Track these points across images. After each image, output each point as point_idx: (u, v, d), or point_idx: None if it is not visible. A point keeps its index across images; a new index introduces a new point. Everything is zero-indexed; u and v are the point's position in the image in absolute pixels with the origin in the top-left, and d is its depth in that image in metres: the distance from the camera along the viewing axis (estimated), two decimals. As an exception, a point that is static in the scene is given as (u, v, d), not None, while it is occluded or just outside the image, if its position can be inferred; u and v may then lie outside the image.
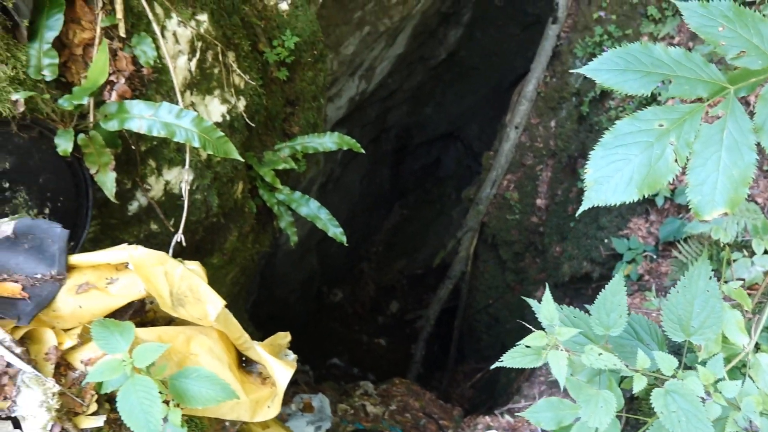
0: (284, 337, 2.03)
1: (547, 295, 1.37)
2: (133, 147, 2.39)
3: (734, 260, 3.78)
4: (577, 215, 1.27)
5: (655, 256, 4.82)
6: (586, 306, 1.72)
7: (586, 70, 1.36)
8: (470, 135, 9.95)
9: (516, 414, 3.55)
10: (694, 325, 1.51)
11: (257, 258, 3.75)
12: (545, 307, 1.37)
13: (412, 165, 10.77)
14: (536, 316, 5.15)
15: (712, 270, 4.06)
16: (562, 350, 1.31)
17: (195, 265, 1.89)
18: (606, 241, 5.27)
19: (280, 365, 1.87)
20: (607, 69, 1.34)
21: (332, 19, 6.34)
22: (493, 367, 1.61)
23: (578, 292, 6.01)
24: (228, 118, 2.73)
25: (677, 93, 1.32)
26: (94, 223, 2.41)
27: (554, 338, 1.31)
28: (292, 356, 2.03)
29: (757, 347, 2.00)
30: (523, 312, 6.85)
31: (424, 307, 9.70)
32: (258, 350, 1.89)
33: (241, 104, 2.79)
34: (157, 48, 2.23)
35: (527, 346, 1.39)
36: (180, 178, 2.63)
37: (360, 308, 10.00)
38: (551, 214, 6.53)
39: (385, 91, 8.61)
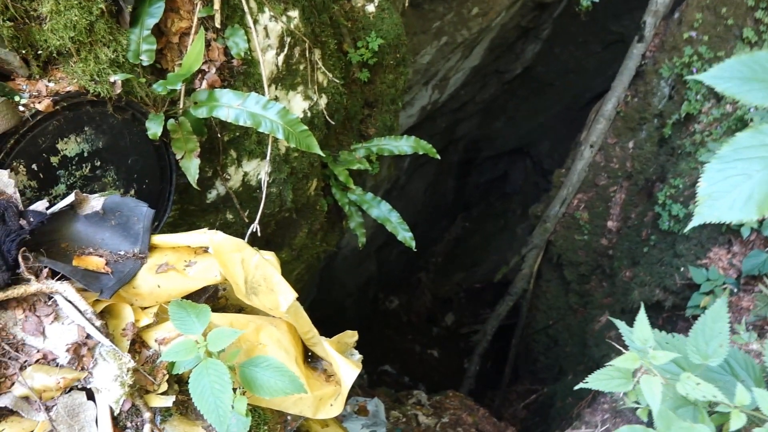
0: (351, 336, 1.98)
1: (642, 315, 1.26)
2: (218, 135, 2.42)
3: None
4: (686, 231, 1.17)
5: (735, 290, 4.52)
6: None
7: (705, 77, 1.25)
8: (541, 152, 9.73)
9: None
10: (804, 364, 1.37)
11: (323, 257, 3.75)
12: (639, 328, 1.26)
13: (478, 178, 10.62)
14: (607, 341, 4.88)
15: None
16: (656, 375, 1.19)
17: (270, 255, 1.87)
18: (682, 269, 5.00)
19: (346, 363, 1.83)
20: (728, 77, 1.23)
21: (411, 28, 6.34)
22: (577, 387, 1.50)
23: (648, 320, 5.71)
24: (309, 114, 2.73)
25: (810, 106, 1.19)
26: (174, 207, 2.45)
27: (648, 362, 1.20)
28: (358, 356, 1.98)
29: None
30: (584, 337, 6.59)
31: (480, 322, 9.51)
32: (325, 346, 1.86)
33: (323, 102, 2.79)
34: (249, 41, 2.25)
35: (615, 369, 1.28)
36: (258, 170, 2.64)
37: (415, 317, 9.91)
38: (623, 237, 6.27)
39: (456, 103, 8.53)
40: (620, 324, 1.51)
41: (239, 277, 1.71)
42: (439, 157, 3.14)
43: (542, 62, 8.65)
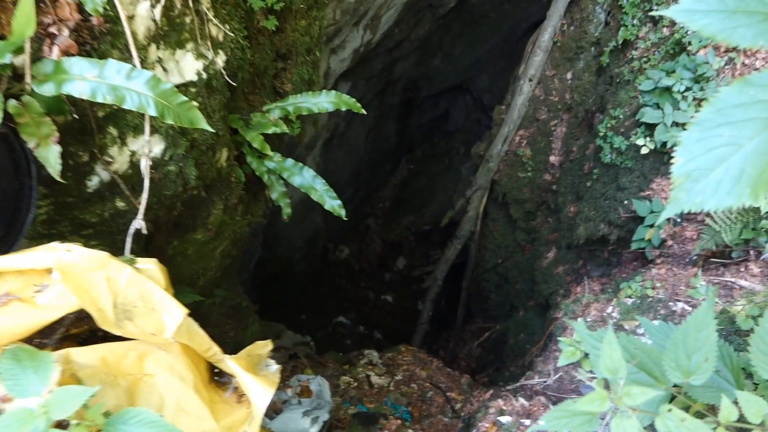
0: (264, 346, 1.65)
1: (611, 336, 0.96)
2: (89, 112, 1.96)
3: (775, 230, 3.35)
4: (658, 223, 0.85)
5: (679, 220, 4.38)
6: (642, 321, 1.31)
7: (675, 12, 0.90)
8: (480, 87, 9.37)
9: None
10: (795, 360, 1.11)
11: (250, 229, 3.36)
12: (608, 354, 0.96)
13: (420, 119, 10.23)
14: (555, 277, 4.70)
15: (746, 241, 3.63)
16: (631, 417, 0.91)
17: (150, 264, 1.49)
18: (626, 202, 4.83)
19: (257, 384, 1.50)
20: (706, 9, 0.89)
21: (334, -36, 5.75)
22: (530, 431, 1.21)
23: (593, 254, 5.61)
24: (205, 76, 2.27)
25: (813, 45, 0.87)
26: (45, 203, 2.01)
27: (621, 400, 0.91)
28: (275, 367, 1.65)
29: None
30: (533, 273, 6.48)
31: (432, 264, 9.37)
32: (230, 365, 1.51)
33: (220, 59, 2.33)
34: (106, -9, 1.77)
35: (578, 410, 0.98)
36: (149, 147, 2.20)
37: (366, 265, 9.69)
38: (566, 172, 6.07)
39: (391, 42, 8.01)
40: (578, 326, 1.21)
41: (105, 301, 1.33)
42: (364, 111, 2.75)
43: (476, -7, 8.18)
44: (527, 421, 3.04)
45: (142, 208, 1.82)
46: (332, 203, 2.69)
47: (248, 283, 7.30)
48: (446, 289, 8.56)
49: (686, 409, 1.44)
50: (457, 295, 8.05)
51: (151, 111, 1.60)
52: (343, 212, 2.69)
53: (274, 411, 2.92)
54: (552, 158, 6.39)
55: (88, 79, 1.59)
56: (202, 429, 1.43)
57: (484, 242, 7.42)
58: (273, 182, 2.77)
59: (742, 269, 3.41)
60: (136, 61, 1.80)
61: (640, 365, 1.10)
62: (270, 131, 2.64)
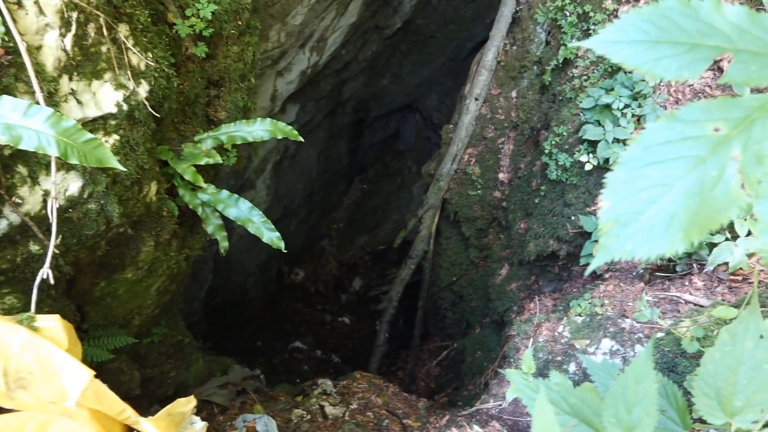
0: (186, 404, 1.50)
1: (543, 400, 0.87)
2: (-8, 151, 1.79)
3: (716, 243, 3.38)
4: (587, 273, 0.76)
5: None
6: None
7: (596, 44, 0.83)
8: (429, 106, 9.39)
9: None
10: (737, 403, 1.04)
11: (189, 262, 3.19)
12: (540, 416, 0.86)
13: (371, 138, 10.18)
14: (509, 294, 4.65)
15: (689, 254, 3.66)
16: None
17: (52, 322, 1.33)
18: (573, 218, 4.85)
19: (177, 449, 1.35)
20: (629, 40, 0.82)
21: (276, -14, 5.66)
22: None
23: (544, 269, 5.61)
24: (126, 107, 2.12)
25: (740, 77, 0.81)
26: (-57, 251, 1.82)
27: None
28: (200, 425, 1.51)
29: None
30: (487, 290, 6.45)
31: (388, 283, 9.26)
32: (146, 428, 1.36)
33: (143, 89, 2.19)
34: (4, 21, 1.62)
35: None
36: (64, 186, 2.03)
37: (322, 287, 9.51)
38: (515, 188, 6.09)
39: (338, 63, 7.96)
40: (516, 379, 1.12)
41: (-8, 370, 1.17)
42: (301, 139, 2.64)
43: (421, 14, 8.22)
44: (482, 450, 2.94)
45: (49, 255, 1.66)
46: (270, 236, 2.55)
47: (199, 313, 7.03)
48: (403, 308, 8.46)
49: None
50: (414, 315, 7.96)
51: (53, 151, 1.45)
52: (282, 244, 2.56)
53: (216, 457, 2.74)
54: (501, 175, 6.41)
55: (-22, 119, 1.43)
56: (114, 504, 1.27)
57: (438, 261, 7.36)
58: (208, 215, 2.62)
59: (687, 283, 3.43)
60: (39, 95, 1.64)
61: (582, 418, 1.02)
62: (202, 162, 2.50)
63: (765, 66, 0.81)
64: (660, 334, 2.94)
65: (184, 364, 3.52)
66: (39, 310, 2.14)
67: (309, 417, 3.96)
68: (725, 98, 0.81)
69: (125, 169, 1.55)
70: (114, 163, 1.53)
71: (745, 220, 3.25)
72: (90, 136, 1.50)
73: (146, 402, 3.23)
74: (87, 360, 2.56)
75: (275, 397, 4.10)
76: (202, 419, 3.48)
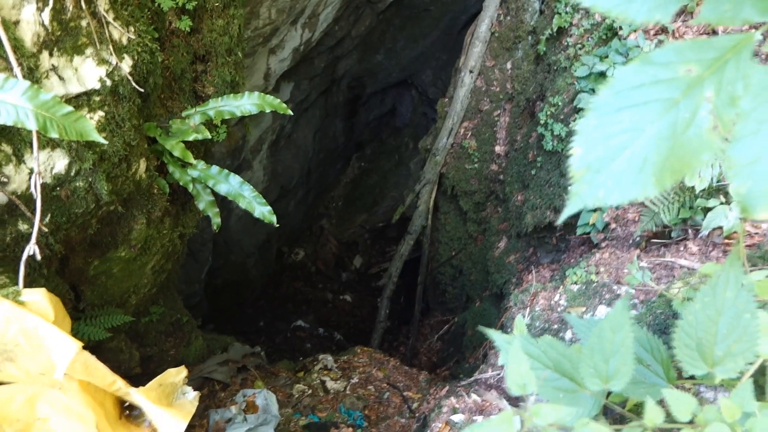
0: (177, 374, 1.51)
1: (517, 349, 0.87)
2: (-26, 129, 1.77)
3: (710, 208, 3.37)
4: (559, 222, 0.76)
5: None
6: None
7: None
8: (425, 81, 9.31)
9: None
10: (718, 353, 1.04)
11: (184, 240, 3.19)
12: (515, 366, 0.87)
13: (367, 116, 10.12)
14: (508, 266, 4.66)
15: (684, 220, 3.65)
16: (544, 437, 0.82)
17: (38, 295, 1.33)
18: (569, 187, 4.83)
19: (167, 416, 1.36)
20: (599, -16, 0.80)
21: (265, -39, 5.58)
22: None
23: (542, 241, 5.62)
24: (109, 83, 2.10)
25: (713, 16, 0.79)
26: (-70, 231, 1.82)
27: (530, 420, 0.82)
28: (192, 394, 1.52)
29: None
30: (486, 263, 6.46)
31: (388, 260, 9.29)
32: (136, 398, 1.37)
33: (126, 64, 2.16)
34: (-23, -6, 1.59)
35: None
36: (50, 163, 2.02)
37: (323, 266, 9.54)
38: (511, 161, 6.06)
39: (332, 40, 7.87)
40: (493, 334, 1.12)
41: (-23, 343, 1.17)
42: (290, 113, 2.61)
43: (414, -13, 8.11)
44: (480, 418, 2.97)
45: (35, 231, 1.65)
46: (262, 210, 2.54)
47: (200, 294, 7.06)
48: (404, 284, 8.50)
49: (623, 404, 1.37)
50: (415, 291, 7.99)
51: (31, 125, 1.44)
52: (273, 218, 2.55)
53: (217, 431, 2.77)
54: (497, 148, 6.38)
55: (-46, 94, 1.42)
56: (107, 472, 1.29)
57: (437, 236, 7.37)
58: (199, 192, 2.62)
59: (682, 248, 3.43)
60: (17, 70, 1.62)
61: (562, 371, 1.02)
62: (191, 138, 2.49)
63: (738, 5, 0.79)
64: (654, 298, 2.94)
65: (184, 343, 3.54)
66: (31, 288, 2.15)
67: (310, 391, 4.00)
68: (698, 39, 0.80)
69: (106, 143, 1.54)
70: (95, 135, 1.51)
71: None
72: (69, 108, 1.48)
73: (146, 380, 3.25)
74: (84, 339, 2.57)
75: (276, 373, 4.14)
76: (204, 396, 3.52)
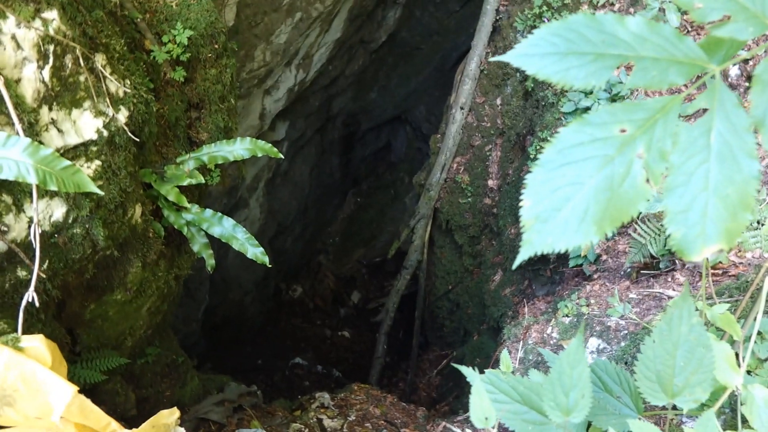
0: (170, 415, 1.56)
1: (478, 385, 0.94)
2: (-24, 182, 1.87)
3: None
4: (514, 267, 0.84)
5: (610, 235, 4.48)
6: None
7: (511, 57, 0.92)
8: (418, 117, 9.51)
9: None
10: (678, 384, 1.11)
11: (180, 281, 3.26)
12: (477, 401, 0.94)
13: (363, 151, 10.29)
14: (504, 299, 4.70)
15: (671, 251, 3.73)
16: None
17: (36, 342, 1.40)
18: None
19: (160, 458, 1.42)
20: (541, 53, 0.91)
21: (260, 7, 5.78)
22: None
23: (537, 273, 5.68)
24: (106, 133, 2.21)
25: (642, 82, 0.89)
26: (-68, 281, 1.90)
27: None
28: (185, 435, 1.57)
29: (749, 372, 1.63)
30: (483, 297, 6.51)
31: (386, 295, 9.32)
32: (131, 440, 1.43)
33: (122, 115, 2.27)
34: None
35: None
36: (49, 212, 2.11)
37: (321, 302, 9.57)
38: (504, 194, 6.17)
39: (326, 79, 8.08)
40: (467, 372, 1.19)
41: (-23, 389, 1.24)
42: (282, 156, 2.72)
43: (405, 27, 8.35)
44: (474, 453, 3.00)
45: (33, 278, 1.73)
46: (254, 251, 2.63)
47: (197, 333, 7.08)
48: (403, 319, 8.52)
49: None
50: (413, 325, 8.01)
51: (32, 179, 1.54)
52: (266, 259, 2.63)
53: (211, 472, 2.79)
54: (490, 182, 6.50)
55: (-41, 152, 1.51)
56: None
57: (433, 270, 7.43)
58: (193, 234, 2.70)
59: (669, 279, 3.50)
60: (18, 126, 1.73)
61: (530, 404, 1.08)
62: (185, 183, 2.59)
63: (664, 71, 0.89)
64: (638, 331, 3.00)
65: (179, 383, 3.58)
66: (30, 335, 2.22)
67: (307, 431, 4.01)
68: (629, 102, 0.89)
69: (102, 193, 1.63)
70: (92, 187, 1.61)
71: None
72: (67, 162, 1.58)
73: (141, 422, 3.28)
74: (80, 381, 2.62)
75: (272, 413, 4.15)
76: (200, 437, 3.53)
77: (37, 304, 1.69)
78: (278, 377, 7.80)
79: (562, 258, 5.17)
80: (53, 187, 1.56)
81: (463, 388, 6.59)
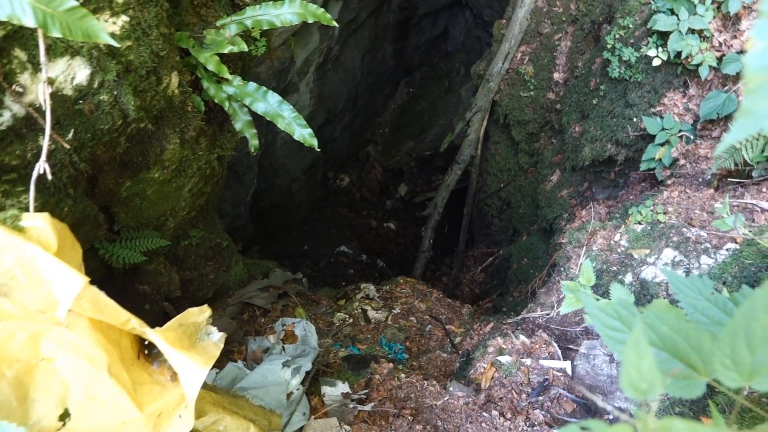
0: (200, 314, 1.32)
1: (639, 336, 0.61)
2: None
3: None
4: (723, 146, 0.48)
5: (692, 137, 3.96)
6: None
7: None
8: (480, 2, 8.64)
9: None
10: None
11: (223, 163, 3.00)
12: (634, 360, 0.61)
13: (418, 39, 9.55)
14: (559, 200, 4.34)
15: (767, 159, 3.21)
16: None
17: (39, 220, 1.14)
18: (635, 119, 4.39)
19: (186, 360, 1.19)
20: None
21: None
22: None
23: (599, 175, 5.22)
24: (132, -17, 1.84)
25: None
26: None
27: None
28: (217, 335, 1.34)
29: None
30: (536, 197, 6.12)
31: (434, 189, 9.02)
32: (154, 339, 1.20)
33: (151, -38, 1.89)
34: None
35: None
36: (70, 72, 1.81)
37: (368, 193, 9.36)
38: (570, 89, 5.57)
39: (383, -46, 7.30)
40: (588, 301, 0.86)
41: (-36, 274, 1.00)
42: (334, 23, 2.31)
43: None
44: (528, 360, 2.78)
45: (44, 147, 1.46)
46: (302, 132, 2.30)
47: (246, 216, 7.02)
48: (449, 215, 8.26)
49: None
50: (460, 221, 7.75)
51: (29, 20, 1.21)
52: (314, 142, 2.31)
53: (254, 361, 2.67)
54: (556, 75, 5.87)
55: (-61, -18, 1.19)
56: (121, 419, 1.13)
57: (486, 166, 7.02)
58: (235, 110, 2.38)
59: (764, 189, 3.03)
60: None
61: (674, 352, 0.75)
62: (226, 50, 2.23)
63: None
64: (732, 245, 2.61)
65: (224, 267, 3.44)
66: (59, 212, 1.99)
67: (351, 321, 3.89)
68: None
69: (119, 45, 1.31)
70: (105, 36, 1.28)
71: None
72: (74, 3, 1.24)
73: (187, 303, 3.18)
74: (120, 261, 2.46)
75: (317, 301, 4.03)
76: (244, 321, 3.44)
77: (49, 176, 1.43)
78: (324, 264, 7.78)
79: (630, 161, 4.69)
80: (56, 33, 1.23)
81: (507, 287, 6.40)
